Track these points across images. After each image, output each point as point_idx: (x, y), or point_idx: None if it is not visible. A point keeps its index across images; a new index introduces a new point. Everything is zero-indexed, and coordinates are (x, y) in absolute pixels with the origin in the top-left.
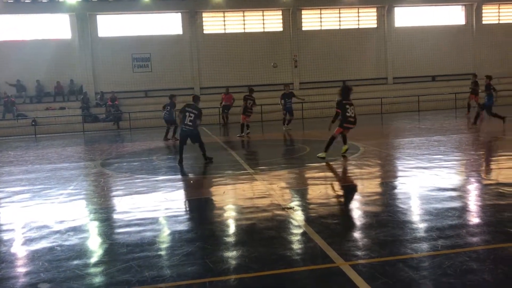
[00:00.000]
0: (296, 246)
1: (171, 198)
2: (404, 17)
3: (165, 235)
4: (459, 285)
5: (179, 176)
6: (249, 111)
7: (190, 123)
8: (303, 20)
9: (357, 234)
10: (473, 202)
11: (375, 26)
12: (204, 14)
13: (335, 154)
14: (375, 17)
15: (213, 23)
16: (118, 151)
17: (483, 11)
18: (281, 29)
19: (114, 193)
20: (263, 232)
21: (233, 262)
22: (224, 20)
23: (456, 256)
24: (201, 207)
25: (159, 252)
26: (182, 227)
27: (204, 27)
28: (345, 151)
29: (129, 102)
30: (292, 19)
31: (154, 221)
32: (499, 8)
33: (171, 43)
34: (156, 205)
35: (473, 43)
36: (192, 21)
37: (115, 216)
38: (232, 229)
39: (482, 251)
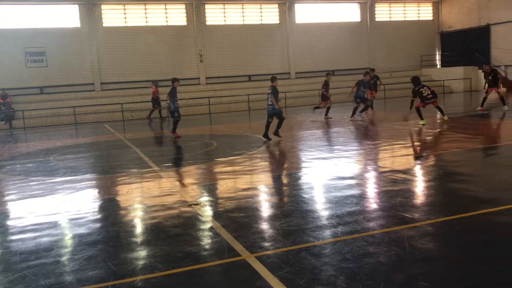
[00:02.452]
0: (203, 242)
1: (71, 200)
2: (305, 14)
3: (64, 239)
4: (357, 269)
5: (79, 177)
6: None
7: (270, 103)
8: (207, 15)
9: (262, 226)
10: (369, 189)
11: (278, 22)
12: (103, 6)
13: (242, 147)
14: (277, 13)
15: (113, 15)
16: (11, 152)
17: (376, 8)
18: (185, 23)
19: (6, 198)
20: (169, 230)
21: (138, 263)
22: (125, 13)
23: (354, 241)
24: (104, 208)
25: (57, 258)
26: (83, 230)
27: (103, 20)
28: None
29: (22, 99)
30: (195, 13)
31: (52, 225)
32: (390, 6)
33: (69, 37)
34: (54, 209)
35: (368, 39)
36: (90, 14)
37: (8, 222)
38: (136, 229)
39: (378, 235)
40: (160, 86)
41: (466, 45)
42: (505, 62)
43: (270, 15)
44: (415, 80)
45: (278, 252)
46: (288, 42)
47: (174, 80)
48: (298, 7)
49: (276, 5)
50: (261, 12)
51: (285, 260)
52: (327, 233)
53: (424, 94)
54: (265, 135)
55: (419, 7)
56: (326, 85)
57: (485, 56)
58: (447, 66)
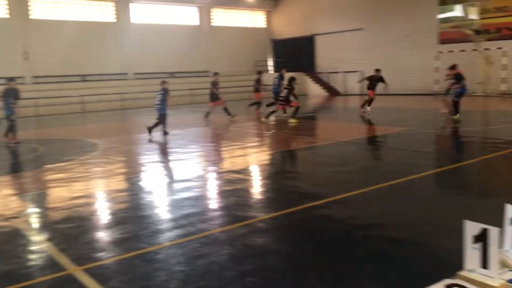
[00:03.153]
0: (23, 258)
1: None
2: (143, 14)
3: None
4: (190, 271)
5: None
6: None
7: (159, 102)
8: (33, 8)
9: (94, 236)
10: (206, 190)
11: (115, 20)
12: None
13: (73, 153)
14: (114, 11)
15: None
16: None
17: (213, 13)
18: (7, 16)
19: None
20: None
21: None
22: None
23: (188, 244)
24: None
25: None
26: None
27: None
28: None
29: None
30: (19, 6)
31: None
32: (226, 12)
33: None
34: None
35: (206, 43)
36: None
37: None
38: None
39: (211, 236)
40: None
41: (294, 53)
42: (327, 70)
43: (106, 13)
44: (288, 80)
45: (109, 262)
46: (126, 42)
47: (10, 79)
48: (134, 6)
49: (113, 3)
50: (96, 9)
51: (116, 269)
52: (162, 237)
53: (279, 95)
54: (164, 132)
55: (253, 14)
56: (215, 84)
57: (311, 63)
58: (279, 71)
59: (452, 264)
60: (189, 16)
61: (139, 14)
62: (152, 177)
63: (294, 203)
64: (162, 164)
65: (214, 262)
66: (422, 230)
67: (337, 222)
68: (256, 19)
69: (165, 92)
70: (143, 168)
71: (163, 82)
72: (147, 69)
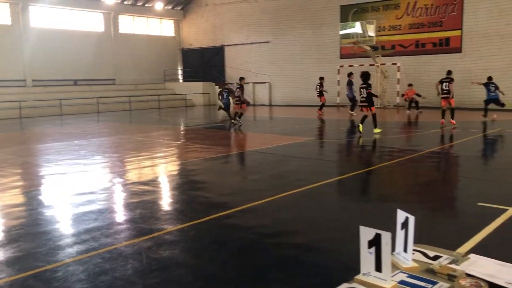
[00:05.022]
0: None
1: None
2: (44, 18)
3: None
4: None
5: None
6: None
7: (226, 99)
8: None
9: None
10: (110, 203)
11: (10, 23)
12: None
13: None
14: (9, 14)
15: None
16: None
17: (120, 20)
18: None
19: None
20: None
21: None
22: None
23: (90, 260)
24: None
25: None
26: None
27: None
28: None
29: None
30: None
31: None
32: (133, 19)
33: None
34: None
35: (112, 50)
36: None
37: None
38: None
39: (115, 250)
40: None
41: (204, 63)
42: (237, 80)
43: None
44: (365, 75)
45: (0, 284)
46: (22, 46)
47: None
48: (33, 9)
49: (7, 4)
50: None
51: None
52: (61, 254)
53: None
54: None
55: (161, 23)
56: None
57: (221, 73)
58: (188, 81)
59: (353, 267)
60: (95, 22)
61: (40, 18)
62: (51, 190)
63: (202, 214)
64: (63, 176)
65: (118, 277)
66: (326, 236)
67: (245, 231)
68: (165, 27)
69: (227, 92)
70: (42, 181)
71: (226, 85)
72: (49, 76)
